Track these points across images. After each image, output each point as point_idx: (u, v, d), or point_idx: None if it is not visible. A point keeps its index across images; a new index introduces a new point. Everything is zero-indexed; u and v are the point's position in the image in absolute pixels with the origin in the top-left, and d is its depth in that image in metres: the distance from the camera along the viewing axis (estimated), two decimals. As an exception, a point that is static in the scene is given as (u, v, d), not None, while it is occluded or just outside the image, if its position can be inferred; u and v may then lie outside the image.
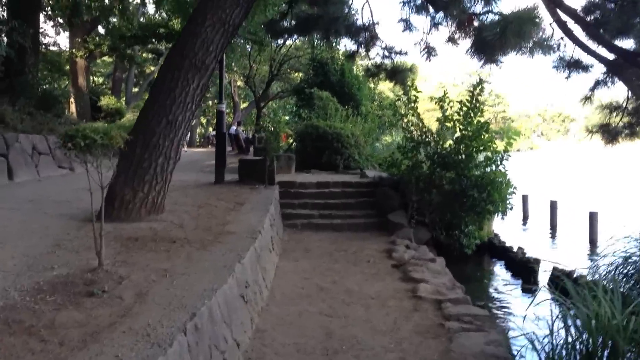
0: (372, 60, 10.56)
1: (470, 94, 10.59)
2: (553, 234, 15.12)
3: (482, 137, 10.42)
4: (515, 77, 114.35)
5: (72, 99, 25.01)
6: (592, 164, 50.74)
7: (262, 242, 6.74)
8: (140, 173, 6.77)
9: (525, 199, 17.66)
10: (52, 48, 31.66)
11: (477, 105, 10.58)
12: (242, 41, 20.92)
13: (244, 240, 6.16)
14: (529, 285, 9.38)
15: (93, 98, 26.41)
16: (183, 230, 6.58)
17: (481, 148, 10.60)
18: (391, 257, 8.66)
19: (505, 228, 14.18)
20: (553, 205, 15.58)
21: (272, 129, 11.75)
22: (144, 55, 38.56)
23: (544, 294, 9.15)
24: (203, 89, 7.28)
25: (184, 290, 4.15)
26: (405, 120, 11.39)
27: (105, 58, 38.47)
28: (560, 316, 4.10)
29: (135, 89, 38.85)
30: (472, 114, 10.61)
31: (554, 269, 8.98)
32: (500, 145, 10.89)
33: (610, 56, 8.31)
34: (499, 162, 10.67)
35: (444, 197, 10.91)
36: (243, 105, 39.22)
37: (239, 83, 35.49)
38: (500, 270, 10.79)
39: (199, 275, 4.61)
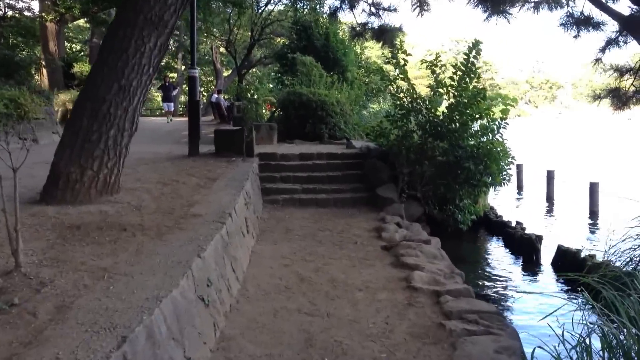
0: (358, 18, 9.53)
1: (466, 57, 9.63)
2: (550, 206, 14.39)
3: (479, 104, 9.51)
4: (502, 43, 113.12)
5: (42, 66, 23.71)
6: (581, 130, 50.18)
7: (233, 226, 5.85)
8: (89, 147, 5.80)
9: (519, 168, 16.87)
10: (26, 13, 30.10)
11: (473, 69, 9.64)
12: (220, 3, 19.63)
13: (209, 226, 5.26)
14: (531, 265, 8.63)
15: (65, 65, 25.05)
16: (140, 213, 5.65)
17: (477, 116, 9.70)
18: (381, 237, 7.82)
19: (500, 200, 13.41)
20: (550, 176, 14.82)
21: (250, 96, 10.70)
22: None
23: (549, 276, 8.47)
24: (162, 50, 6.26)
25: (120, 301, 3.25)
26: (394, 86, 10.42)
27: (81, 23, 36.80)
28: (597, 330, 3.21)
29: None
30: (467, 79, 9.68)
31: (559, 247, 8.21)
32: (496, 113, 10.02)
33: (626, 11, 7.41)
34: (495, 131, 9.79)
35: (436, 169, 10.06)
36: (226, 73, 37.82)
37: (222, 50, 34.03)
38: (498, 248, 10.04)
39: (145, 277, 3.71)
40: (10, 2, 31.22)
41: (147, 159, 10.51)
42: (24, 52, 30.08)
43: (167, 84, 23.53)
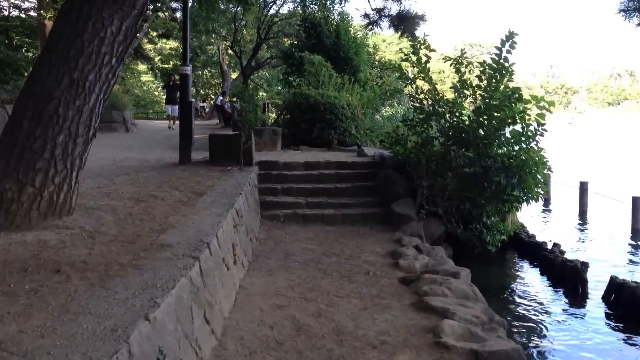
0: (372, 2, 8.23)
1: (497, 52, 8.30)
2: (583, 222, 12.96)
3: (512, 106, 8.17)
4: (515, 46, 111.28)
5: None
6: (599, 137, 48.41)
7: (212, 261, 4.57)
8: (30, 158, 4.55)
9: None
10: (32, 14, 29.20)
11: (505, 66, 8.31)
12: (224, 0, 18.45)
13: (177, 263, 3.98)
14: (577, 299, 7.29)
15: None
16: (91, 244, 4.39)
17: (509, 121, 8.37)
18: (398, 265, 6.52)
19: (525, 215, 12.02)
20: (583, 188, 13.39)
21: (249, 96, 9.45)
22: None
23: (602, 314, 7.11)
24: (129, 36, 5.01)
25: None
26: (414, 86, 9.11)
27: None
28: None
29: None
30: (498, 78, 8.35)
31: (613, 280, 6.86)
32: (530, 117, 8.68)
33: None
34: (531, 138, 8.44)
35: (460, 182, 8.74)
36: (234, 75, 36.66)
37: (230, 51, 32.88)
38: (533, 276, 8.70)
39: (50, 362, 2.44)
40: (16, 2, 30.35)
41: (130, 167, 9.29)
42: (29, 53, 29.18)
43: (171, 84, 20.46)
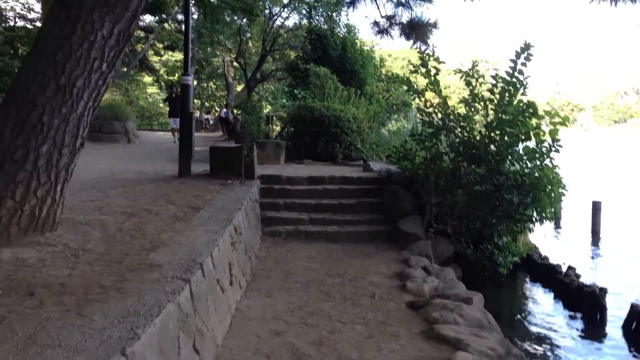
0: (382, 9, 7.92)
1: (512, 65, 7.96)
2: (596, 242, 12.53)
3: (526, 121, 7.82)
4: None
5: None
6: (607, 153, 47.89)
7: (205, 283, 4.19)
8: (10, 169, 4.20)
9: (555, 197, 14.99)
10: (38, 24, 29.11)
11: (520, 79, 7.97)
12: (229, 11, 18.22)
13: (165, 286, 3.62)
14: (596, 328, 6.86)
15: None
16: (73, 263, 4.03)
17: (522, 137, 8.01)
18: (405, 288, 6.13)
19: (536, 233, 11.58)
20: (595, 207, 12.96)
21: (251, 108, 9.13)
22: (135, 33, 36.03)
23: (620, 341, 6.68)
24: (121, 40, 4.69)
25: None
26: (422, 99, 8.77)
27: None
28: None
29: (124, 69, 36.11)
30: (511, 92, 8.01)
31: (635, 308, 6.44)
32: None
33: None
34: (545, 155, 8.07)
35: (471, 200, 8.36)
36: (240, 88, 36.46)
37: (236, 64, 32.69)
38: (547, 301, 8.28)
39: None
40: (22, 12, 30.30)
41: (127, 179, 8.95)
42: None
43: (174, 96, 19.37)
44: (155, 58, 42.41)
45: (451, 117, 8.40)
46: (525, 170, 8.19)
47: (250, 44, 24.50)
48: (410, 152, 9.09)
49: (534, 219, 8.20)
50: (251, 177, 9.25)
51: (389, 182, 9.59)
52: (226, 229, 5.53)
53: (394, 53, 63.50)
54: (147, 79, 46.51)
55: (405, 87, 9.87)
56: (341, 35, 17.32)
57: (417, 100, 9.12)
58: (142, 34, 35.51)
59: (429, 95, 8.90)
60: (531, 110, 7.71)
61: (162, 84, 44.01)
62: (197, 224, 5.70)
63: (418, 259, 7.37)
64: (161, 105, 53.58)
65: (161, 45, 38.19)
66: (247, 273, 6.15)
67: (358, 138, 12.91)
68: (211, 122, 33.47)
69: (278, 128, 16.73)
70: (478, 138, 8.32)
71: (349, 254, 7.71)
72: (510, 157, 8.07)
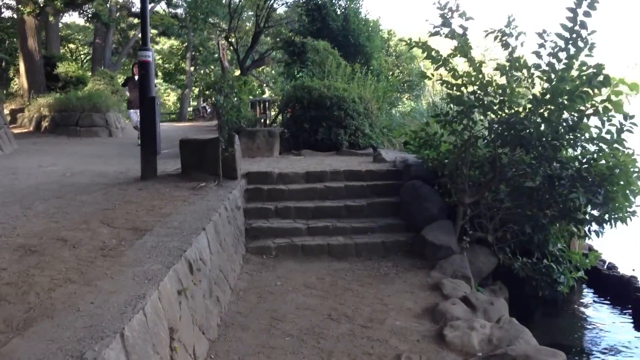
0: None
1: (570, 16, 5.87)
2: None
3: (594, 93, 5.76)
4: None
5: (21, 66, 20.56)
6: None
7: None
8: None
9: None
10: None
11: (582, 36, 5.89)
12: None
13: None
14: None
15: (48, 65, 21.80)
16: None
17: (588, 112, 5.94)
18: (444, 339, 4.18)
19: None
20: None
21: (228, 88, 7.14)
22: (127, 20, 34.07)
23: None
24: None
25: None
26: (447, 68, 6.69)
27: (85, 23, 34.01)
28: None
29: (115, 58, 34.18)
30: (570, 52, 5.94)
31: None
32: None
33: None
34: (615, 137, 6.03)
35: (519, 197, 6.37)
36: (237, 72, 34.33)
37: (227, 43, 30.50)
38: (623, 325, 6.28)
39: None
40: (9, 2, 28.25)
41: (75, 186, 7.04)
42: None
43: (136, 78, 12.71)
44: (152, 45, 40.44)
45: (489, 89, 6.34)
46: (589, 157, 6.18)
47: (242, 22, 22.27)
48: (432, 138, 7.07)
49: (604, 221, 6.18)
50: (232, 176, 7.30)
51: (406, 177, 7.62)
52: (171, 270, 3.59)
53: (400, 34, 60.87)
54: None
55: (420, 58, 7.83)
56: (343, 4, 15.17)
57: (438, 72, 7.05)
58: (135, 21, 33.56)
59: (454, 64, 6.84)
60: (601, 78, 5.64)
61: (158, 72, 42.12)
62: (128, 261, 3.75)
63: (454, 285, 5.41)
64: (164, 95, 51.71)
65: (155, 32, 36.17)
66: (212, 327, 4.20)
67: (366, 122, 10.90)
68: (209, 110, 31.46)
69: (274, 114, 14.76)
70: (523, 115, 6.27)
71: (359, 277, 5.76)
72: (573, 141, 6.02)
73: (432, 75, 7.12)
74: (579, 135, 5.96)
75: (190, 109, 40.57)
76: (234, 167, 7.31)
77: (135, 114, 13.29)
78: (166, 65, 41.79)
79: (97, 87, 20.30)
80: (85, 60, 39.14)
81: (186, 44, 37.53)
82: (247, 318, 4.61)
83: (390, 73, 14.21)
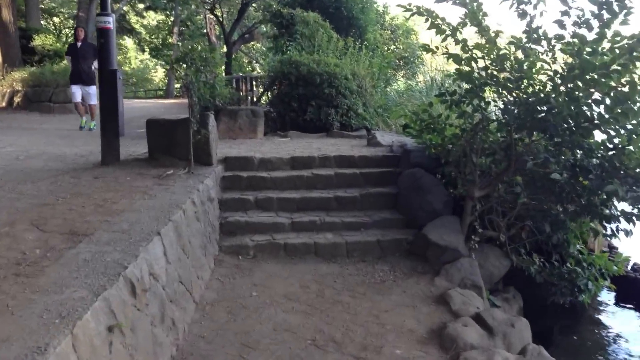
0: None
1: (605, -25, 4.91)
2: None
3: (632, 67, 4.83)
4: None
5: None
6: None
7: None
8: None
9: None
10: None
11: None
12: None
13: None
14: None
15: (24, 38, 20.57)
16: None
17: (621, 88, 5.01)
18: (457, 376, 3.30)
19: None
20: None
21: (200, 61, 6.14)
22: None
23: None
24: None
25: None
26: (460, 37, 5.71)
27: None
28: None
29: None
30: (603, 18, 4.99)
31: None
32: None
33: None
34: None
35: (537, 190, 5.48)
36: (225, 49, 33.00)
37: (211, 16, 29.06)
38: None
39: None
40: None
41: (23, 172, 6.06)
42: None
43: (79, 45, 10.90)
44: (137, 19, 38.87)
45: (506, 64, 5.38)
46: (615, 142, 5.27)
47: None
48: (438, 121, 6.12)
49: (633, 217, 5.30)
50: (206, 162, 6.35)
51: (405, 164, 6.71)
52: (99, 299, 2.66)
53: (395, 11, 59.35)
54: (129, 42, 43.23)
55: (418, 33, 6.81)
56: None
57: (444, 44, 6.06)
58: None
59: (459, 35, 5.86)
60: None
61: (145, 47, 40.77)
62: (46, 284, 2.82)
63: (464, 297, 4.53)
64: (152, 70, 50.05)
65: (142, 6, 34.73)
66: (166, 354, 3.29)
67: (359, 100, 9.92)
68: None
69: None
70: (548, 94, 5.33)
71: (351, 285, 4.87)
72: (614, 124, 5.08)
73: (437, 48, 6.13)
74: (619, 117, 5.00)
75: (177, 85, 39.26)
76: (207, 152, 6.36)
77: (78, 90, 10.86)
78: (154, 40, 40.30)
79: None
80: (69, 35, 37.67)
81: (173, 18, 36.14)
82: (211, 345, 3.71)
83: (386, 48, 13.21)
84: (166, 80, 41.18)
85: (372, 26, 13.70)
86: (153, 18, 40.34)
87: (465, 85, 5.80)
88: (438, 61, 11.27)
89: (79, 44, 10.97)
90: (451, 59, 5.86)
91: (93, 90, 10.60)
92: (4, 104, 17.01)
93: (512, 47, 5.65)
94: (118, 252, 3.32)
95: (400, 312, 4.33)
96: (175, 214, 4.32)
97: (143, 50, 41.22)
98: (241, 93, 12.38)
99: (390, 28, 14.62)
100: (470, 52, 5.71)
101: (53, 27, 35.13)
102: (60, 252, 3.32)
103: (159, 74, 49.03)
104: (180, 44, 37.14)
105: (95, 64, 10.13)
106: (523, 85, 5.46)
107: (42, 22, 30.73)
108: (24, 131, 10.50)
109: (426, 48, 6.29)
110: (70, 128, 11.47)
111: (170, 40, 38.22)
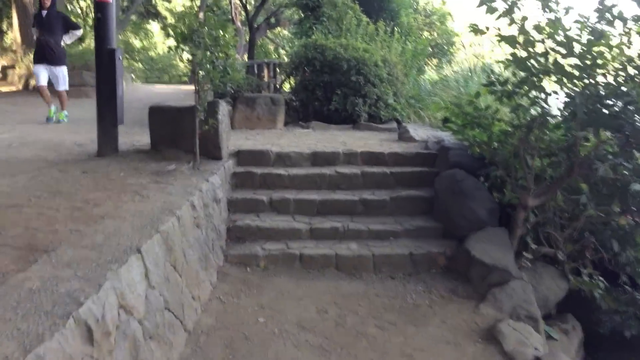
0: None
1: None
2: None
3: None
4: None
5: (14, 20, 18.88)
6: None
7: None
8: None
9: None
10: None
11: None
12: None
13: None
14: None
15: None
16: None
17: None
18: None
19: None
20: None
21: (211, 39, 5.33)
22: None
23: None
24: None
25: None
26: (517, 17, 4.78)
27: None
28: None
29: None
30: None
31: None
32: None
33: None
34: None
35: (600, 200, 4.56)
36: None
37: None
38: None
39: None
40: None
41: (8, 161, 5.36)
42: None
43: (45, 14, 8.33)
44: (164, 4, 38.32)
45: (575, 49, 4.44)
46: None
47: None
48: (485, 115, 5.21)
49: None
50: (215, 155, 5.56)
51: (443, 163, 5.82)
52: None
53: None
54: (157, 28, 42.78)
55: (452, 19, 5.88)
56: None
57: (497, 26, 5.13)
58: (147, -24, 31.56)
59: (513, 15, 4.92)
60: None
61: (170, 32, 40.23)
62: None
63: (518, 333, 3.66)
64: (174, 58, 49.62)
65: (167, -10, 34.15)
66: None
67: (389, 90, 9.01)
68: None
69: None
70: (618, 87, 4.39)
71: (378, 311, 4.04)
72: None
73: (487, 29, 5.19)
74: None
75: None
76: (217, 144, 5.56)
77: (43, 70, 8.50)
78: (177, 25, 39.83)
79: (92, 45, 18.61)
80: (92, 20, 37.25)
81: (200, 3, 35.53)
82: (200, 394, 2.92)
83: (420, 34, 12.26)
84: (190, 66, 40.66)
85: (406, 10, 12.73)
86: (179, 2, 39.79)
87: (521, 74, 4.87)
88: (477, 49, 10.26)
89: (44, 12, 8.38)
90: (503, 42, 4.95)
91: (62, 72, 8.59)
92: (20, 87, 16.53)
93: (577, 29, 4.71)
94: (77, 280, 2.53)
95: (439, 351, 3.49)
96: (166, 222, 3.53)
97: (168, 35, 40.73)
98: (263, 79, 11.57)
99: (424, 13, 13.66)
100: (527, 35, 4.78)
101: (80, 10, 34.73)
102: (3, 278, 2.55)
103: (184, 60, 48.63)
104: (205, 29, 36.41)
105: (65, 39, 8.51)
106: (594, 74, 4.53)
107: (67, 5, 30.32)
108: (28, 116, 9.85)
109: (475, 29, 5.35)
110: (78, 112, 10.77)
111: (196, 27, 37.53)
